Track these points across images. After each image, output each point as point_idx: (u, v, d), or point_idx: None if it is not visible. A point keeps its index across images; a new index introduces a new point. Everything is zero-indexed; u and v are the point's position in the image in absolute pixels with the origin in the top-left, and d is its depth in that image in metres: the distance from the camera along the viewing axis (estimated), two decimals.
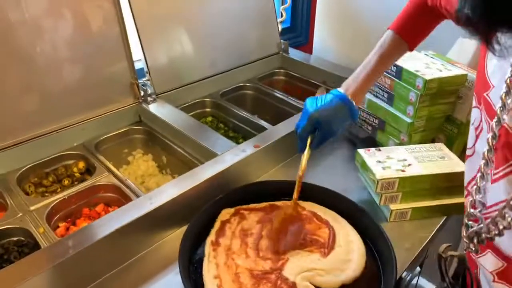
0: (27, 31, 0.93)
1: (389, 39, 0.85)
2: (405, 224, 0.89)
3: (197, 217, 0.80)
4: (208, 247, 0.76)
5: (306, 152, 0.83)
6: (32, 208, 0.85)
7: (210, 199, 0.85)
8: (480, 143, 0.64)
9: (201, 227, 0.81)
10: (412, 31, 0.85)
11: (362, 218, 0.83)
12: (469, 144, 0.67)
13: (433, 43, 1.08)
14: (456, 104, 1.00)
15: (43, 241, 0.78)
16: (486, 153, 0.54)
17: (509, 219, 0.48)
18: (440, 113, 1.00)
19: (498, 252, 0.58)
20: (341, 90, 0.84)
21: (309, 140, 0.83)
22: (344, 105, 0.82)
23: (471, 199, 0.56)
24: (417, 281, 1.02)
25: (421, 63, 0.99)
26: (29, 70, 0.95)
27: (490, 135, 0.53)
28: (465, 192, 0.70)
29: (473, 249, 0.57)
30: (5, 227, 0.80)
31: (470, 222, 0.57)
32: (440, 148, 0.94)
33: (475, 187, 0.56)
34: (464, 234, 0.57)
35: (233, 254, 0.75)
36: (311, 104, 0.83)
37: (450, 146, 1.01)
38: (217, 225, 0.81)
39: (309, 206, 0.86)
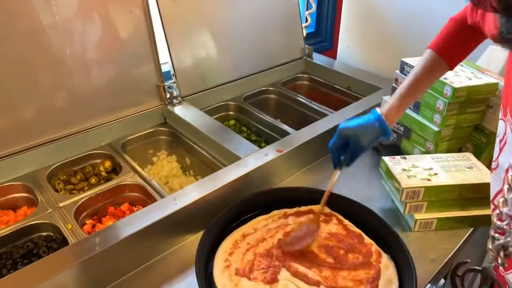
0: (58, 34, 0.96)
1: (428, 58, 0.83)
2: (430, 234, 0.87)
3: (212, 224, 0.80)
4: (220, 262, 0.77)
5: (337, 169, 0.83)
6: (61, 204, 0.88)
7: (232, 202, 0.86)
8: (503, 156, 0.62)
9: (218, 232, 0.82)
10: (451, 50, 0.83)
11: (389, 237, 0.81)
12: (494, 157, 0.66)
13: None
14: (485, 113, 0.97)
15: (71, 237, 0.80)
16: None
17: None
18: (468, 122, 0.98)
19: None
20: (377, 109, 0.84)
21: (343, 157, 0.83)
22: (375, 122, 0.80)
23: (498, 211, 0.55)
24: None
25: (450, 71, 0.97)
26: (60, 71, 0.99)
27: None
28: (492, 206, 0.69)
29: (500, 262, 0.55)
30: (36, 222, 0.83)
31: (496, 235, 0.55)
32: (468, 158, 0.92)
33: (502, 199, 0.55)
34: (490, 247, 0.56)
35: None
36: (344, 122, 0.83)
37: (478, 156, 0.98)
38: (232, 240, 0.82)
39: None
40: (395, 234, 0.79)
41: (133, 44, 1.10)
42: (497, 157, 0.64)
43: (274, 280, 0.72)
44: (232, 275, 0.73)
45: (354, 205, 0.87)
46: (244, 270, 0.74)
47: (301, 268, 0.74)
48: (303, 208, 0.89)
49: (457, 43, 0.83)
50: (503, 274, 0.64)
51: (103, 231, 0.75)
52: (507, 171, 0.60)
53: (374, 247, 0.79)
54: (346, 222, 0.85)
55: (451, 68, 0.84)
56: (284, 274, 0.73)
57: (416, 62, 0.85)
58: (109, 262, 0.73)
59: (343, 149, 0.81)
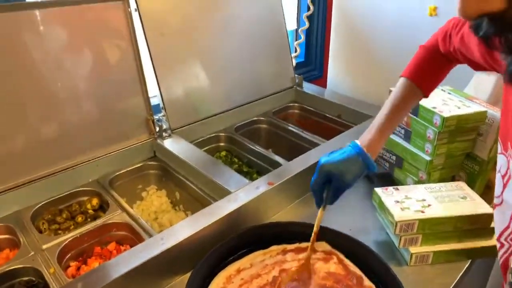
0: (46, 69, 0.96)
1: (403, 87, 0.83)
2: (427, 268, 0.85)
3: (201, 262, 0.78)
4: None
5: (321, 208, 0.81)
6: (44, 247, 0.84)
7: (223, 238, 0.83)
8: (508, 192, 0.61)
9: (209, 271, 0.79)
10: (425, 77, 0.83)
11: (372, 261, 0.80)
12: (497, 193, 0.64)
13: (449, 79, 1.07)
14: (476, 141, 0.97)
15: (53, 283, 0.76)
16: None
17: None
18: (459, 151, 0.97)
19: None
20: (360, 142, 0.81)
21: (325, 194, 0.80)
22: (357, 156, 0.78)
23: None
24: None
25: (438, 99, 0.98)
26: (47, 105, 0.98)
27: None
28: (498, 245, 0.66)
29: None
30: (17, 266, 0.80)
31: None
32: (462, 188, 0.91)
33: None
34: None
35: None
36: (324, 156, 0.81)
37: (471, 184, 0.97)
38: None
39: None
40: (395, 278, 0.75)
41: (121, 78, 1.10)
42: (501, 193, 0.62)
43: None
44: None
45: (352, 242, 0.84)
46: None
47: None
48: (303, 245, 0.86)
49: (431, 70, 0.84)
50: None
51: (85, 276, 0.72)
52: None
53: None
54: (347, 262, 0.82)
55: (426, 96, 0.85)
56: None
57: (392, 92, 0.85)
58: None
59: (325, 186, 0.79)
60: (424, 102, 0.96)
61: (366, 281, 0.77)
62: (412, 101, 0.85)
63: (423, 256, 0.84)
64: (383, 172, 1.15)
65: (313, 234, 0.80)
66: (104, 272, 0.72)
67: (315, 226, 0.80)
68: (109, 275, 0.71)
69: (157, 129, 1.17)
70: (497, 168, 0.62)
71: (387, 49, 1.48)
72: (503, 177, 0.61)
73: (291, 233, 0.89)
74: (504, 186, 0.61)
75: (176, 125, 1.21)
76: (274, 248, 0.86)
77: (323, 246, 0.86)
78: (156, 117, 1.18)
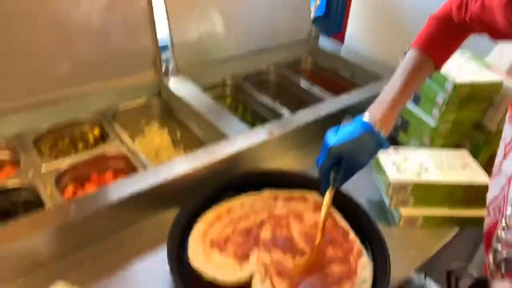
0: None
1: (414, 58, 0.76)
2: (415, 231, 0.85)
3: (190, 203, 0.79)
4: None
5: (329, 191, 0.73)
6: (43, 167, 0.87)
7: (216, 180, 0.85)
8: (508, 162, 0.59)
9: (199, 207, 0.81)
10: (438, 47, 0.76)
11: (359, 213, 0.81)
12: (497, 162, 0.62)
13: (471, 44, 1.01)
14: (487, 111, 0.93)
15: (49, 202, 0.79)
16: None
17: None
18: (468, 120, 0.94)
19: None
20: (365, 118, 0.73)
21: (331, 175, 0.73)
22: (370, 135, 0.71)
23: (504, 224, 0.51)
24: None
25: (455, 64, 0.93)
26: (58, 35, 0.96)
27: None
28: (486, 212, 0.65)
29: (499, 277, 0.51)
30: (15, 183, 0.82)
31: (499, 248, 0.51)
32: (463, 157, 0.89)
33: (510, 208, 0.51)
34: (491, 261, 0.52)
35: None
36: (331, 136, 0.72)
37: (475, 155, 0.95)
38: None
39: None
40: (379, 235, 0.76)
41: (132, 13, 1.06)
42: (501, 162, 0.61)
43: (244, 257, 0.71)
44: (206, 246, 0.73)
45: (343, 197, 0.84)
46: (219, 243, 0.74)
47: (275, 253, 0.73)
48: (296, 194, 0.87)
49: (444, 41, 0.76)
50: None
51: (80, 199, 0.74)
52: (509, 180, 0.56)
53: (357, 245, 0.76)
54: (337, 216, 0.82)
55: (438, 68, 0.78)
56: (256, 254, 0.72)
57: (401, 63, 0.78)
58: (83, 230, 0.72)
59: (333, 168, 0.72)
60: None
61: (351, 235, 0.78)
62: (424, 73, 0.78)
63: (412, 219, 0.84)
64: (388, 135, 1.13)
65: (321, 223, 0.72)
66: (97, 197, 0.75)
67: (323, 213, 0.72)
68: (102, 200, 0.74)
69: (164, 67, 1.15)
70: (503, 136, 0.60)
71: (411, 11, 1.40)
72: (506, 146, 0.59)
73: (286, 182, 0.89)
74: (505, 155, 0.59)
75: (183, 65, 1.19)
76: (266, 193, 0.87)
77: (314, 196, 0.86)
78: (163, 56, 1.16)
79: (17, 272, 0.68)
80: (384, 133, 0.72)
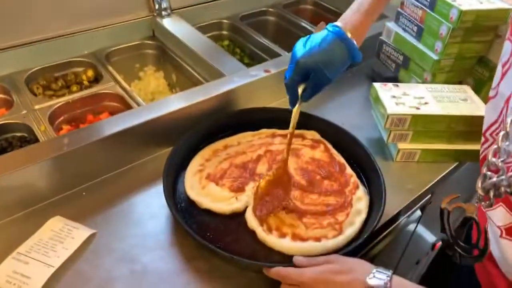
0: None
1: None
2: (412, 165, 0.85)
3: (187, 137, 0.79)
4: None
5: (297, 106, 0.71)
6: (36, 107, 0.86)
7: (212, 117, 0.84)
8: (505, 83, 0.56)
9: (195, 142, 0.81)
10: None
11: (355, 147, 0.80)
12: (493, 84, 0.60)
13: None
14: (492, 44, 0.90)
15: (43, 139, 0.79)
16: None
17: None
18: (472, 53, 0.90)
19: (511, 207, 0.53)
20: (338, 24, 0.68)
21: (300, 90, 0.69)
22: (341, 43, 0.66)
23: (495, 146, 0.49)
24: (416, 227, 1.00)
25: None
26: None
27: None
28: (483, 139, 0.64)
29: (487, 202, 0.50)
30: (9, 121, 0.82)
31: (489, 173, 0.49)
32: (465, 91, 0.87)
33: (502, 132, 0.48)
34: (479, 185, 0.50)
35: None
36: (299, 47, 0.67)
37: (478, 91, 0.92)
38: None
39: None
40: (374, 165, 0.75)
41: None
42: (498, 84, 0.58)
43: (240, 189, 0.72)
44: (202, 178, 0.74)
45: (339, 131, 0.83)
46: (215, 176, 0.74)
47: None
48: (294, 132, 0.85)
49: None
50: (483, 210, 0.61)
51: (73, 132, 0.73)
52: (507, 100, 0.54)
53: (354, 178, 0.76)
54: (333, 151, 0.82)
55: None
56: (252, 186, 0.72)
57: None
58: (78, 164, 0.72)
59: (301, 82, 0.69)
60: None
61: (348, 169, 0.78)
62: None
63: (410, 153, 0.83)
64: (388, 76, 1.10)
65: (289, 135, 0.72)
66: (91, 131, 0.74)
67: (290, 126, 0.71)
68: (95, 134, 0.73)
69: (157, 6, 1.10)
70: (500, 57, 0.57)
71: None
72: (503, 65, 0.56)
73: (283, 120, 0.87)
74: (503, 75, 0.56)
75: (177, 4, 1.15)
76: (263, 130, 0.86)
77: (313, 134, 0.86)
78: None
79: (17, 205, 0.69)
80: (356, 43, 0.68)
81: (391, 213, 0.75)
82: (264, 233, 0.66)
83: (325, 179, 0.76)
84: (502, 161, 0.48)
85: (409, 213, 0.85)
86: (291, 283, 0.57)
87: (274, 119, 0.87)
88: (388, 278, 0.53)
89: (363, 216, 0.70)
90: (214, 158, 0.78)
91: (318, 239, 0.65)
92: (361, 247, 0.69)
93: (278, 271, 0.58)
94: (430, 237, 1.10)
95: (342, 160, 0.80)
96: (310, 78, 0.67)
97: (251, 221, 0.68)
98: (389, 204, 0.71)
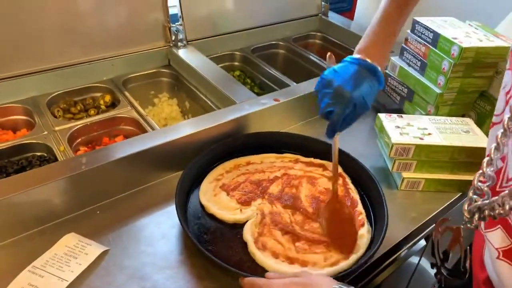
0: None
1: None
2: (416, 194, 0.87)
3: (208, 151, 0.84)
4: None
5: (337, 135, 0.74)
6: (57, 128, 0.90)
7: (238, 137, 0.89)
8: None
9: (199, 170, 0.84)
10: None
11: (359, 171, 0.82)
12: (497, 110, 0.62)
13: (481, 14, 1.01)
14: (493, 80, 0.94)
15: (62, 158, 0.82)
16: (506, 121, 0.50)
17: None
18: (473, 87, 0.94)
19: (509, 230, 0.55)
20: (361, 56, 0.72)
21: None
22: (374, 76, 0.70)
23: (481, 171, 0.52)
24: (420, 258, 1.00)
25: (462, 32, 0.93)
26: (71, 6, 0.99)
27: None
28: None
29: (472, 225, 0.52)
30: (31, 141, 0.86)
31: (475, 196, 0.52)
32: (467, 123, 0.90)
33: (487, 158, 0.51)
34: (466, 208, 0.53)
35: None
36: (344, 82, 0.69)
37: (480, 125, 0.95)
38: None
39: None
40: (379, 192, 0.77)
41: None
42: (503, 111, 0.61)
43: (247, 203, 0.75)
44: (217, 187, 0.79)
45: (347, 158, 0.85)
46: (229, 186, 0.79)
47: (277, 205, 0.75)
48: (316, 161, 0.88)
49: None
50: (482, 232, 0.62)
51: (91, 153, 0.77)
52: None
53: (362, 216, 0.75)
54: (350, 186, 0.82)
55: None
56: (258, 202, 0.76)
57: None
58: (93, 183, 0.75)
59: (348, 115, 0.70)
60: (445, 32, 0.93)
61: (359, 207, 0.77)
62: (409, 2, 0.75)
63: (414, 182, 0.85)
64: (393, 108, 1.14)
65: (334, 165, 0.75)
66: (108, 152, 0.78)
67: (334, 156, 0.75)
68: (110, 155, 0.77)
69: (173, 37, 1.17)
70: (502, 85, 0.61)
71: None
72: (506, 94, 0.59)
73: (303, 146, 0.91)
74: (507, 103, 0.59)
75: (192, 36, 1.21)
76: (288, 155, 0.89)
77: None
78: (173, 26, 1.18)
79: (34, 221, 0.72)
80: (380, 68, 0.71)
81: (394, 241, 0.76)
82: (254, 246, 0.68)
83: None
84: (487, 186, 0.51)
85: (413, 242, 0.85)
86: None
87: (293, 144, 0.91)
88: None
89: (359, 254, 0.69)
90: (234, 171, 0.83)
91: (304, 264, 0.66)
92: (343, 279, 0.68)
93: (250, 281, 0.60)
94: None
95: (356, 197, 0.80)
96: (356, 111, 0.69)
97: (247, 233, 0.70)
98: (392, 232, 0.72)
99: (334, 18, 1.52)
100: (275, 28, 1.40)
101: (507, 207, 0.46)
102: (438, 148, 0.82)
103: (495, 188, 0.53)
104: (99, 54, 1.07)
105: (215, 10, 1.25)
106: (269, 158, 0.88)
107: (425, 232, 0.86)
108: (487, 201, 0.50)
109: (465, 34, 0.92)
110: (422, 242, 0.92)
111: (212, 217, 0.75)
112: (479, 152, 0.82)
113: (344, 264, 0.67)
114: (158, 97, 1.20)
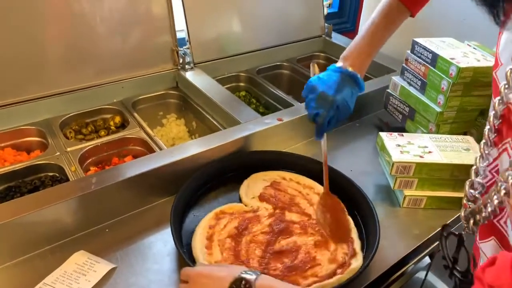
0: None
1: (388, 5, 0.82)
2: (419, 211, 0.88)
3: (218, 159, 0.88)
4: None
5: (325, 138, 0.81)
6: (68, 149, 0.94)
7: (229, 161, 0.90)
8: None
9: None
10: None
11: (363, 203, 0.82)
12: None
13: (479, 35, 1.03)
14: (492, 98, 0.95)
15: (73, 178, 0.86)
16: (487, 133, 0.53)
17: (496, 201, 0.47)
18: (473, 105, 0.96)
19: (502, 241, 0.56)
20: (345, 65, 0.82)
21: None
22: (354, 82, 0.81)
23: (470, 179, 0.55)
24: (426, 275, 1.00)
25: (460, 52, 0.96)
26: (82, 27, 1.04)
27: (492, 114, 0.52)
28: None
29: (470, 231, 0.56)
30: (44, 162, 0.90)
31: (469, 203, 0.56)
32: (467, 141, 0.91)
33: (474, 167, 0.55)
34: (462, 215, 0.57)
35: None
36: (327, 88, 0.78)
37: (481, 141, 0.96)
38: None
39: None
40: (371, 207, 0.78)
41: (151, 9, 1.14)
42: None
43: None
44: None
45: (339, 177, 0.86)
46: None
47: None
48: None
49: None
50: (477, 244, 0.64)
51: (101, 173, 0.80)
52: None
53: (356, 245, 0.74)
54: (346, 213, 0.81)
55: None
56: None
57: (376, 10, 0.84)
58: (103, 202, 0.78)
59: (332, 117, 0.79)
60: (444, 53, 0.95)
61: (354, 234, 0.76)
62: (398, 21, 0.83)
63: (416, 200, 0.87)
64: (396, 126, 1.16)
65: (324, 165, 0.80)
66: (117, 172, 0.81)
67: (324, 156, 0.81)
68: (120, 175, 0.80)
69: (181, 60, 1.22)
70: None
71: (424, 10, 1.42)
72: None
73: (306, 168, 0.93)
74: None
75: (199, 59, 1.26)
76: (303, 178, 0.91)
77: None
78: (180, 49, 1.23)
79: (44, 240, 0.75)
80: (360, 75, 0.82)
81: (397, 257, 0.77)
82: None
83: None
84: (479, 192, 0.54)
85: (417, 259, 0.86)
86: (184, 278, 0.62)
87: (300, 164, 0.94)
88: (259, 273, 0.56)
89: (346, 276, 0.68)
90: (267, 176, 0.89)
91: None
92: None
93: (183, 270, 0.64)
94: (442, 287, 1.10)
95: (351, 223, 0.79)
96: (339, 113, 0.79)
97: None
98: (395, 249, 0.74)
99: (338, 39, 1.56)
100: (279, 50, 1.45)
101: (489, 209, 0.49)
102: (439, 166, 0.84)
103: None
104: (110, 77, 1.12)
105: (221, 34, 1.30)
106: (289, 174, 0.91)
107: (429, 249, 0.87)
108: (475, 206, 0.53)
109: (462, 54, 0.95)
110: (427, 260, 0.93)
111: None
112: None
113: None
114: (167, 117, 1.24)
